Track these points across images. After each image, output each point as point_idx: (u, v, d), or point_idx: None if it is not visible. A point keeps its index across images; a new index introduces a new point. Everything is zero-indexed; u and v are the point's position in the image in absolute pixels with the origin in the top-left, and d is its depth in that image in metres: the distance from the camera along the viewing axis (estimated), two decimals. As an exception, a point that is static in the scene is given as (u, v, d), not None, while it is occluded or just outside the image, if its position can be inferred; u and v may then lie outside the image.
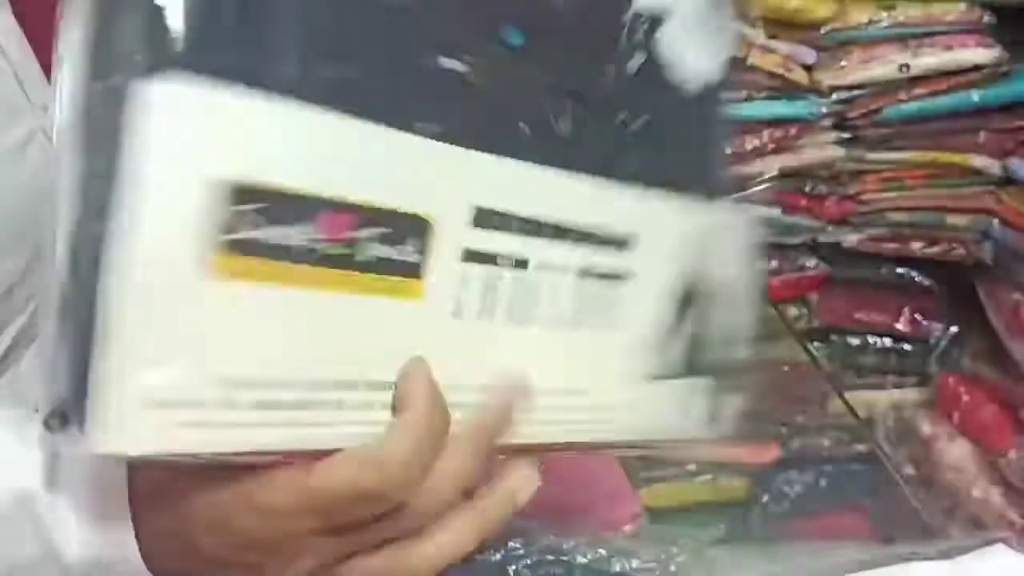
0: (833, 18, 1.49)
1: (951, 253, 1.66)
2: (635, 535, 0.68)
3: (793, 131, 1.55)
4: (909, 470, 1.74)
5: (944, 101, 1.54)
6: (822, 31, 1.51)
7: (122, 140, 0.35)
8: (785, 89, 1.53)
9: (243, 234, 0.37)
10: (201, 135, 0.36)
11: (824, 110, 1.54)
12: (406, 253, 0.43)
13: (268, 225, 0.38)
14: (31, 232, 0.58)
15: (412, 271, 0.43)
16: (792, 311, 1.71)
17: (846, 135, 1.58)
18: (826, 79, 1.53)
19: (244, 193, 0.37)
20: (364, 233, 0.41)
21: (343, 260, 0.41)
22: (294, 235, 0.38)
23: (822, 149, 1.58)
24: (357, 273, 0.41)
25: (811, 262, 1.67)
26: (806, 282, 1.68)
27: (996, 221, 1.61)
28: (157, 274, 0.36)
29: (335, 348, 0.41)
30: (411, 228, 0.43)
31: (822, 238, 1.65)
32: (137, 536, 0.43)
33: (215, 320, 0.37)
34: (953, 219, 1.64)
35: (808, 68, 1.53)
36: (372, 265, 0.42)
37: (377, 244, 0.42)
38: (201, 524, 0.41)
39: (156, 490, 0.43)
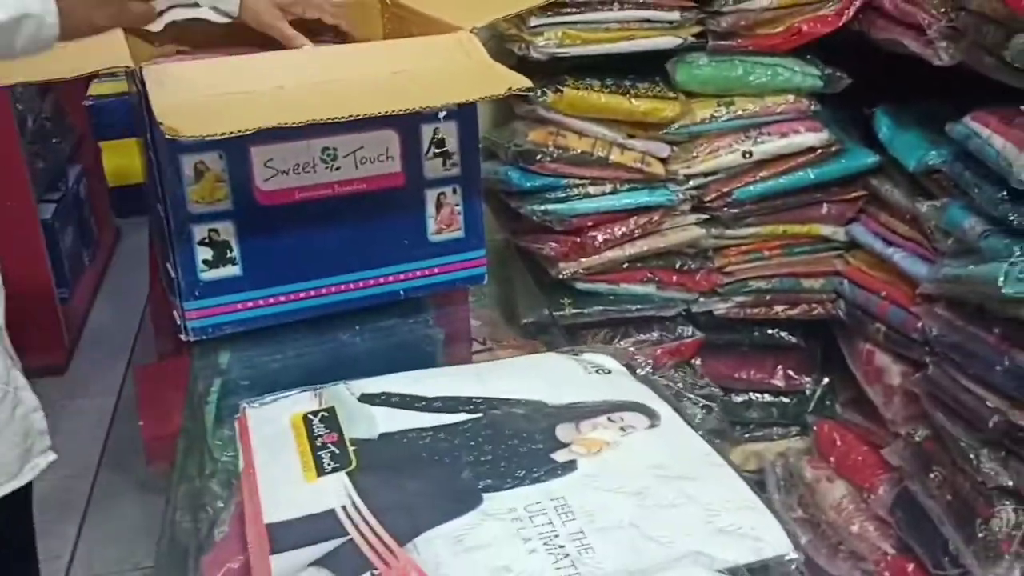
0: (680, 116, 1.69)
1: (811, 313, 1.85)
2: None
3: (656, 216, 1.73)
4: (799, 514, 1.89)
5: (785, 180, 1.74)
6: (672, 128, 1.70)
7: None
8: (645, 181, 1.72)
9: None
10: None
11: (682, 196, 1.73)
12: None
13: None
14: None
15: None
16: (677, 374, 1.87)
17: (704, 216, 1.77)
18: (681, 169, 1.73)
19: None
20: None
21: None
22: None
23: (685, 230, 1.77)
24: None
25: (688, 331, 1.84)
26: (685, 349, 1.84)
27: (846, 281, 1.80)
28: None
29: None
30: None
31: (695, 308, 1.82)
32: None
33: None
34: (808, 282, 1.83)
35: (663, 161, 1.73)
36: None
37: None
38: None
39: None
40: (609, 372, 0.88)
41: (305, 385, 0.90)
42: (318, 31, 1.27)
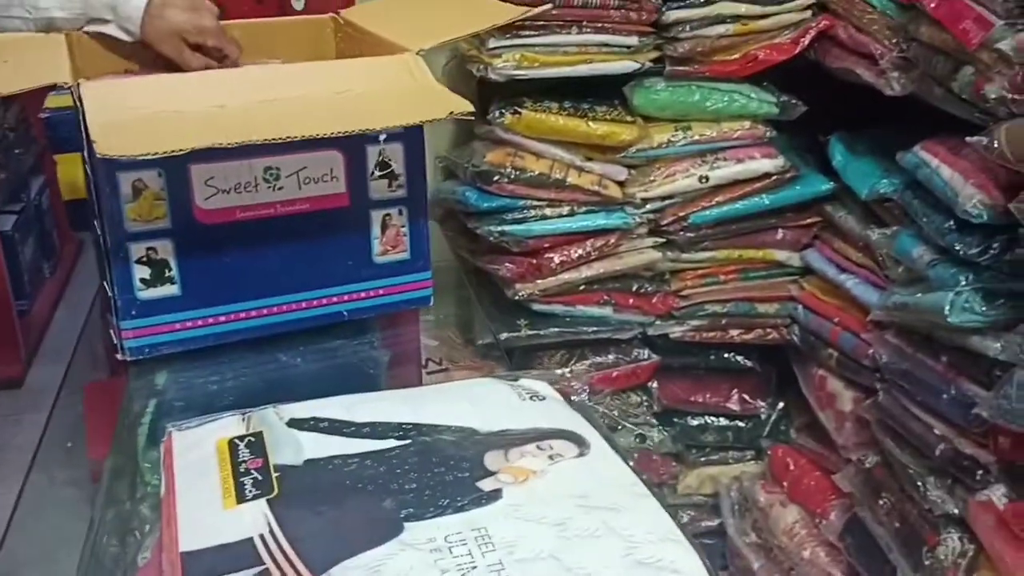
0: (638, 140, 1.70)
1: (766, 338, 1.85)
2: None
3: (613, 239, 1.74)
4: (753, 538, 1.89)
5: (741, 206, 1.75)
6: (630, 151, 1.71)
7: None
8: (602, 203, 1.73)
9: None
10: None
11: (639, 219, 1.74)
12: None
13: None
14: None
15: None
16: (634, 398, 1.87)
17: (661, 240, 1.77)
18: (638, 192, 1.73)
19: None
20: None
21: None
22: None
23: (641, 253, 1.77)
24: None
25: (645, 354, 1.84)
26: (641, 371, 1.84)
27: (800, 307, 1.81)
28: None
29: None
30: None
31: (651, 331, 1.82)
32: None
33: None
34: (763, 307, 1.84)
35: (621, 184, 1.73)
36: None
37: None
38: None
39: None
40: (543, 399, 0.88)
41: (243, 408, 0.89)
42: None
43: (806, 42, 1.67)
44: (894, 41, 1.51)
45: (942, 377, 1.43)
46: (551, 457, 0.78)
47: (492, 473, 0.75)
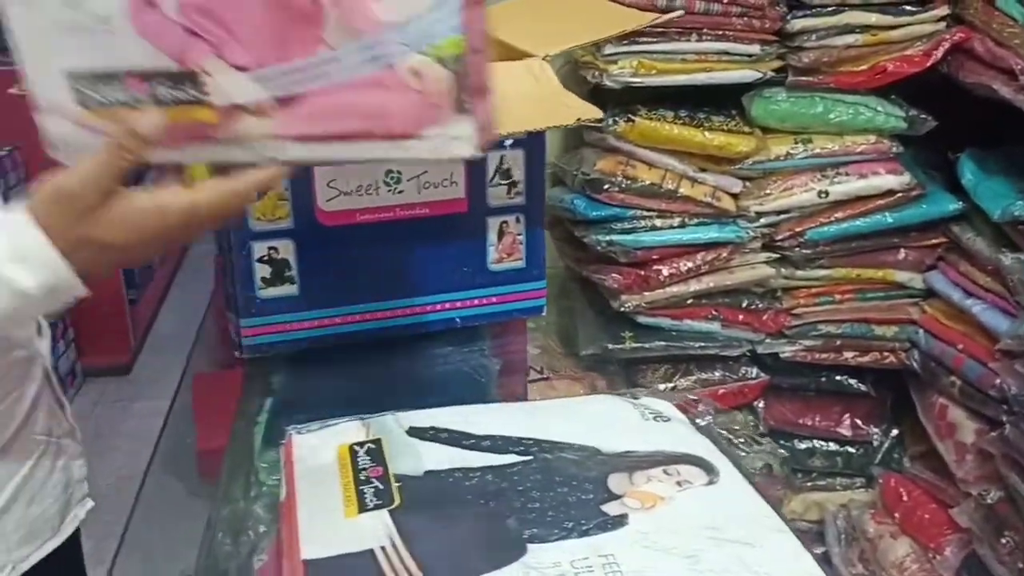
0: (755, 152, 1.65)
1: (882, 361, 1.78)
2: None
3: (724, 253, 1.69)
4: (859, 569, 1.82)
5: (862, 223, 1.68)
6: (746, 163, 1.66)
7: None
8: (715, 215, 1.68)
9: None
10: None
11: (752, 233, 1.68)
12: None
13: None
14: None
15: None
16: (739, 418, 1.81)
17: (775, 255, 1.72)
18: (752, 205, 1.68)
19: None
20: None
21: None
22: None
23: (754, 268, 1.72)
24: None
25: (752, 372, 1.78)
26: (749, 391, 1.79)
27: (921, 331, 1.73)
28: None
29: None
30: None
31: (760, 350, 1.77)
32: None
33: None
34: (881, 329, 1.76)
35: (735, 196, 1.68)
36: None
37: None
38: (128, 246, 0.70)
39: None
40: (667, 419, 0.84)
41: (355, 410, 0.88)
42: None
43: (939, 55, 1.60)
44: (1038, 56, 1.43)
45: (1079, 413, 1.34)
46: (679, 483, 0.74)
47: (617, 497, 0.72)
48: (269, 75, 0.67)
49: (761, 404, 1.82)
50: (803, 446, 1.88)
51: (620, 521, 0.69)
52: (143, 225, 0.70)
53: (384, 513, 0.71)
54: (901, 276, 1.74)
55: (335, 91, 0.66)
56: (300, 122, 0.68)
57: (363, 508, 0.72)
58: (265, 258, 1.05)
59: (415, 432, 0.82)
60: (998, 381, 1.52)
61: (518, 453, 0.79)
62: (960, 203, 1.66)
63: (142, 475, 2.05)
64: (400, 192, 1.06)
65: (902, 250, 1.72)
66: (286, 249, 1.05)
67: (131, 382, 2.90)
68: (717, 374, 1.77)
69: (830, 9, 1.59)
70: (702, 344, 1.74)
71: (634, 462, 0.77)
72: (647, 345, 1.73)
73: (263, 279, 1.05)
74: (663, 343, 1.73)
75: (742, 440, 0.87)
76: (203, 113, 0.69)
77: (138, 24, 0.69)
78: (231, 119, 0.69)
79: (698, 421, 0.86)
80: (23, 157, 2.67)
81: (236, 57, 0.68)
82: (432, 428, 0.82)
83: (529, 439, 0.80)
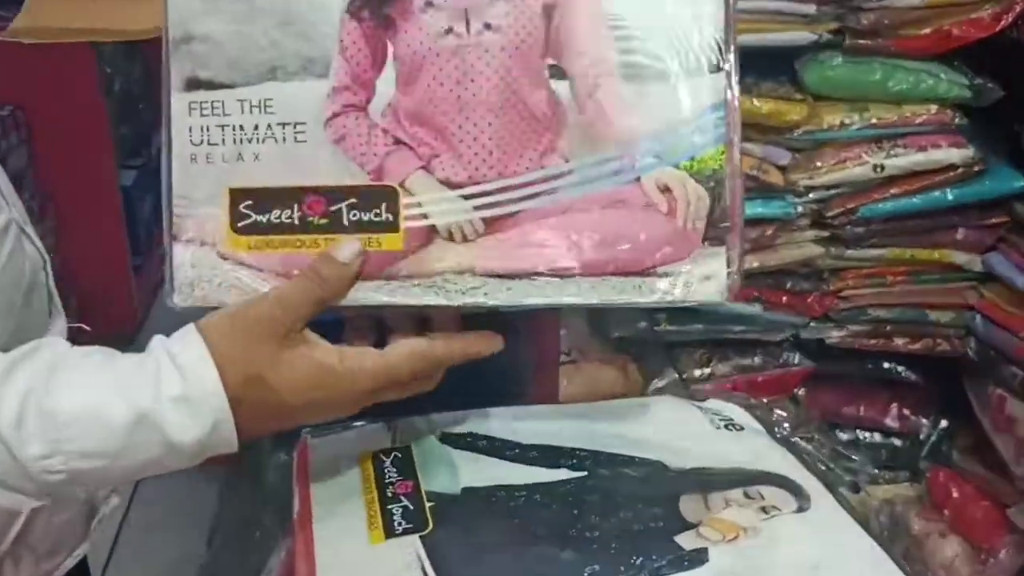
0: (806, 120, 1.52)
1: (935, 349, 1.66)
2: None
3: (770, 231, 1.57)
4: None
5: (919, 200, 1.56)
6: (795, 133, 1.53)
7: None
8: (760, 189, 1.56)
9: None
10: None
11: (800, 209, 1.56)
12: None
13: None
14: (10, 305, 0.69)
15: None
16: (779, 409, 1.71)
17: (824, 233, 1.60)
18: (801, 179, 1.56)
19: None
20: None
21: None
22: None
23: (800, 247, 1.60)
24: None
25: (795, 358, 1.67)
26: (791, 378, 1.68)
27: (979, 317, 1.61)
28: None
29: None
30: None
31: (804, 334, 1.65)
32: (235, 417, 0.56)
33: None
34: (935, 315, 1.64)
35: (782, 169, 1.56)
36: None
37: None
38: (298, 405, 0.58)
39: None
40: (741, 428, 0.73)
41: (379, 409, 0.77)
42: None
43: (1010, 19, 1.46)
44: None
45: None
46: (764, 509, 0.63)
47: (692, 525, 0.61)
48: (485, 191, 0.56)
49: (801, 392, 1.71)
50: (845, 437, 1.76)
51: (699, 558, 0.59)
52: (324, 383, 0.58)
53: (415, 540, 0.61)
54: (959, 257, 1.61)
55: (560, 214, 0.55)
56: (510, 253, 0.56)
57: (390, 533, 0.61)
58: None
59: (450, 439, 0.71)
60: (1066, 374, 1.41)
61: (571, 467, 0.68)
62: (1026, 180, 1.54)
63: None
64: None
65: (961, 229, 1.59)
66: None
67: (134, 350, 2.80)
68: (757, 359, 1.66)
69: (893, -34, 1.45)
70: (742, 328, 1.63)
71: (708, 481, 0.66)
72: (684, 328, 1.61)
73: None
74: (701, 326, 1.62)
75: (824, 453, 0.76)
76: (391, 241, 0.57)
77: (335, 130, 0.58)
78: (424, 247, 0.58)
79: (776, 431, 0.75)
80: (25, 118, 2.56)
81: (447, 171, 0.57)
82: (470, 434, 0.71)
83: (583, 451, 0.69)
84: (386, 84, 0.57)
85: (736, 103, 0.58)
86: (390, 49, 0.57)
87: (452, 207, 0.56)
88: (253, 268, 0.59)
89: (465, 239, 0.56)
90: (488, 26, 0.55)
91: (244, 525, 0.82)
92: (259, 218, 0.59)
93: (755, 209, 1.56)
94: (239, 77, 0.59)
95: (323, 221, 0.58)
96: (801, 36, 1.49)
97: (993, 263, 1.60)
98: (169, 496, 1.84)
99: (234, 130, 0.58)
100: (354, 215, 0.57)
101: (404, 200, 0.56)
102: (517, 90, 0.56)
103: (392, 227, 0.57)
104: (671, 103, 0.56)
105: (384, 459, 0.69)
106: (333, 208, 0.57)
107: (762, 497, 0.65)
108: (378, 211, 0.57)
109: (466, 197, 0.56)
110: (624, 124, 0.54)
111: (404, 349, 0.60)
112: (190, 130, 0.60)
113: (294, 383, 0.57)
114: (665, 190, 0.54)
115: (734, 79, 0.58)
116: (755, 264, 1.58)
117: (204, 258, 0.60)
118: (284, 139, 0.58)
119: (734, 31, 0.58)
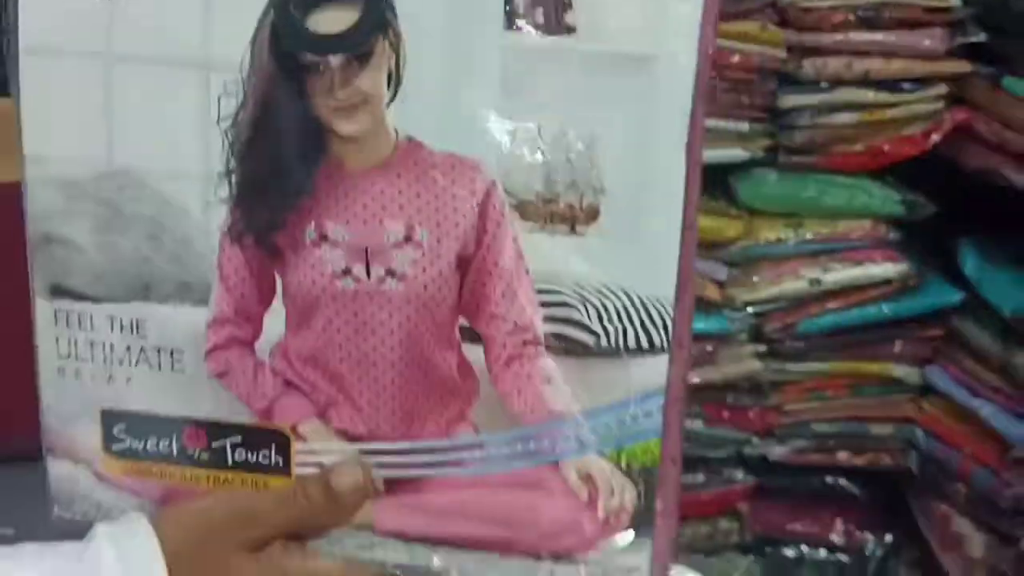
0: (742, 236, 1.52)
1: (878, 462, 1.64)
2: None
3: (710, 346, 1.55)
4: None
5: (857, 314, 1.56)
6: (732, 248, 1.53)
7: None
8: (699, 305, 1.54)
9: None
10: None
11: (738, 324, 1.55)
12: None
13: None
14: None
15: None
16: (723, 524, 1.67)
17: (763, 348, 1.58)
18: (739, 294, 1.55)
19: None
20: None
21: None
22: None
23: (740, 362, 1.58)
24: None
25: (739, 474, 1.64)
26: (734, 495, 1.64)
27: (920, 431, 1.60)
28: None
29: None
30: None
31: (747, 450, 1.62)
32: None
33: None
34: (877, 428, 1.63)
35: (720, 284, 1.55)
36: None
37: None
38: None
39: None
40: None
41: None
42: None
43: (940, 136, 1.49)
44: (1052, 141, 1.32)
45: (1109, 535, 1.21)
46: None
47: None
48: (386, 450, 0.51)
49: (746, 508, 1.67)
50: (791, 554, 1.72)
51: None
52: None
53: None
54: (898, 371, 1.61)
55: (466, 487, 0.50)
56: (409, 516, 0.51)
57: None
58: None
59: None
60: (1010, 492, 1.40)
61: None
62: (961, 293, 1.54)
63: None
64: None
65: (899, 343, 1.60)
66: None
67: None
68: (700, 477, 1.62)
69: (824, 86, 1.48)
70: (684, 445, 1.58)
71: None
72: (625, 447, 1.57)
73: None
74: (642, 444, 1.58)
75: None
76: (279, 484, 0.52)
77: (217, 364, 0.52)
78: None
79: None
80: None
81: (344, 421, 0.51)
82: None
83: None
84: (274, 320, 0.51)
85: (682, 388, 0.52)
86: (279, 282, 0.51)
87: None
88: (132, 492, 0.53)
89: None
90: (391, 273, 0.48)
91: None
92: (135, 443, 0.53)
93: (695, 324, 1.54)
94: (106, 292, 0.53)
95: (204, 456, 0.52)
96: (735, 153, 1.50)
97: (933, 377, 1.59)
98: None
99: (104, 348, 0.52)
100: (239, 454, 0.51)
101: (297, 446, 0.51)
102: (423, 349, 0.49)
103: (283, 472, 0.51)
104: (602, 384, 0.49)
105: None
106: (215, 444, 0.52)
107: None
108: (267, 453, 0.51)
109: (365, 452, 0.50)
110: (544, 403, 0.48)
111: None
112: (56, 341, 0.54)
113: None
114: (587, 479, 0.48)
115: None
116: (696, 380, 1.56)
117: (80, 475, 0.54)
118: (159, 366, 0.52)
119: (690, 309, 0.51)
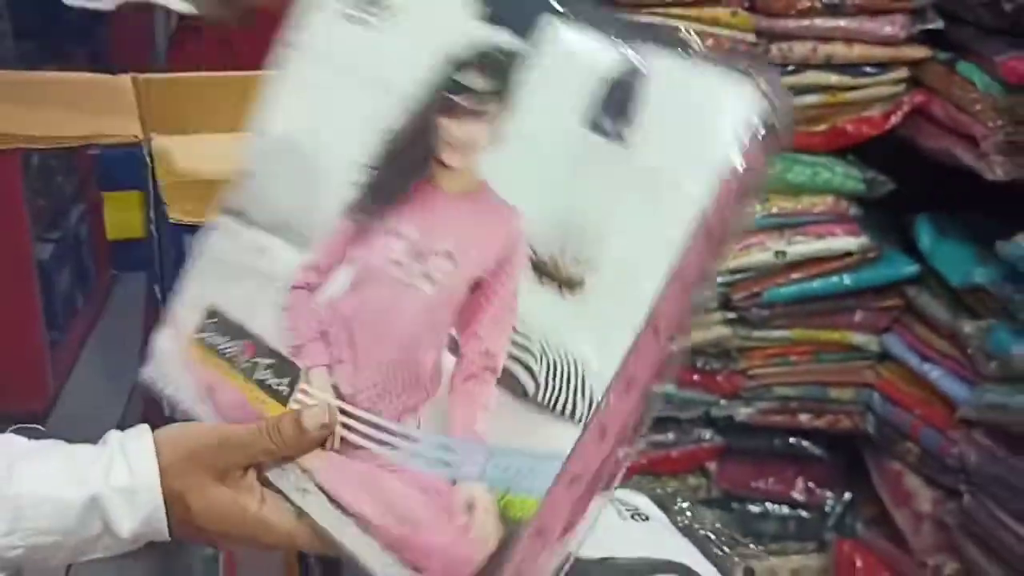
0: (713, 210, 1.61)
1: (837, 425, 1.75)
2: None
3: (681, 313, 1.64)
4: (811, 637, 1.77)
5: (819, 284, 1.65)
6: (704, 221, 1.62)
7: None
8: (672, 274, 1.63)
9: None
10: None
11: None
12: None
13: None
14: None
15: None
16: (692, 481, 1.77)
17: (732, 315, 1.68)
18: (709, 265, 1.64)
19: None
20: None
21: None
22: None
23: (710, 329, 1.67)
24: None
25: (707, 434, 1.74)
26: (703, 453, 1.74)
27: (876, 395, 1.70)
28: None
29: None
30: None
31: (715, 412, 1.72)
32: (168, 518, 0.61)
33: None
34: (836, 392, 1.73)
35: (692, 255, 1.64)
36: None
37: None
38: (214, 532, 0.63)
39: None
40: (646, 518, 0.78)
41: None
42: None
43: (898, 118, 1.59)
44: (999, 123, 1.42)
45: (1041, 487, 1.32)
46: (665, 596, 0.68)
47: (600, 614, 0.66)
48: (355, 415, 0.59)
49: (713, 466, 1.77)
50: (755, 509, 1.83)
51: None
52: (235, 525, 0.62)
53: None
54: (857, 338, 1.71)
55: (388, 471, 0.57)
56: (340, 479, 0.59)
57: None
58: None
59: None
60: (956, 450, 1.50)
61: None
62: (916, 266, 1.64)
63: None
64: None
65: (859, 312, 1.70)
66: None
67: (49, 431, 2.73)
68: (671, 436, 1.72)
69: (790, 69, 1.56)
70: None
71: (615, 570, 0.70)
72: (600, 406, 1.67)
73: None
74: (616, 404, 1.67)
75: (723, 539, 0.81)
76: (273, 409, 0.62)
77: (291, 299, 0.63)
78: None
79: (679, 520, 0.80)
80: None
81: (340, 379, 0.60)
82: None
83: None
84: (338, 279, 0.62)
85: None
86: (353, 252, 0.62)
87: (330, 414, 0.60)
88: (196, 379, 0.64)
89: (321, 447, 0.60)
90: (427, 276, 0.58)
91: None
92: (216, 340, 0.64)
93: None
94: (261, 215, 0.66)
95: (246, 364, 0.62)
96: (706, 131, 1.59)
97: (889, 344, 1.70)
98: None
99: (241, 258, 0.66)
100: (265, 373, 0.62)
101: (302, 385, 0.60)
102: (420, 342, 0.57)
103: (282, 400, 0.61)
104: (522, 429, 0.54)
105: (308, 556, 0.72)
106: (256, 359, 0.62)
107: (664, 585, 0.69)
108: (281, 381, 0.61)
109: (341, 411, 0.59)
110: (474, 424, 0.54)
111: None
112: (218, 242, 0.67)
113: (209, 515, 0.61)
114: (470, 507, 0.53)
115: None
116: (667, 345, 1.66)
117: (172, 351, 0.67)
118: (262, 288, 0.63)
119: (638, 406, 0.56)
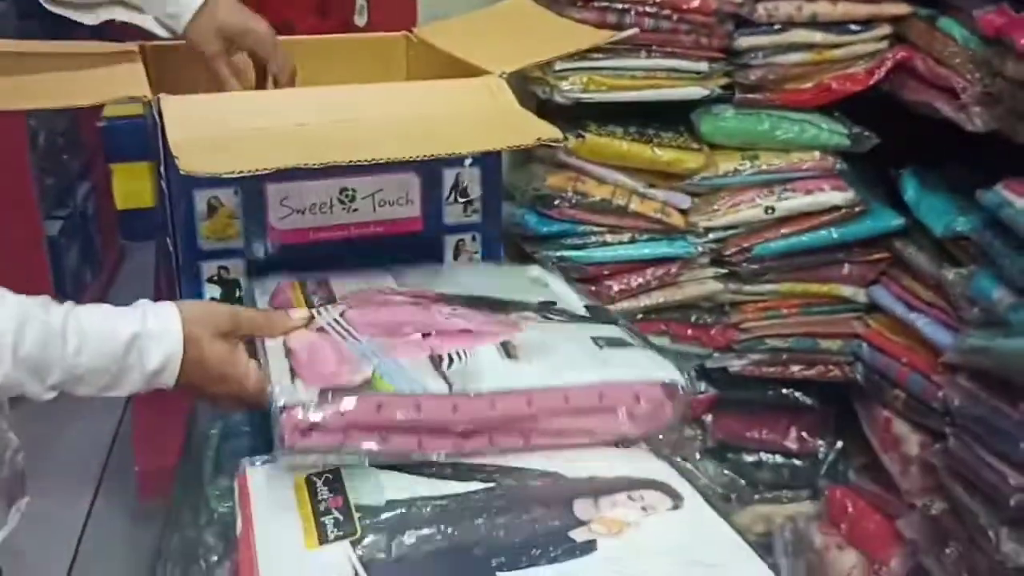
0: (703, 168, 1.66)
1: (827, 375, 1.80)
2: None
3: (674, 268, 1.69)
4: (806, 580, 1.83)
5: (808, 238, 1.70)
6: (694, 179, 1.67)
7: None
8: (664, 231, 1.69)
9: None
10: None
11: (700, 249, 1.69)
12: None
13: None
14: None
15: None
16: (688, 432, 1.83)
17: (723, 270, 1.73)
18: (701, 221, 1.69)
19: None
20: None
21: None
22: None
23: (702, 284, 1.73)
24: None
25: (701, 387, 1.79)
26: (698, 405, 1.79)
27: (865, 345, 1.76)
28: None
29: None
30: None
31: (709, 364, 1.78)
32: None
33: None
34: (826, 343, 1.79)
35: (684, 212, 1.69)
36: None
37: None
38: (210, 376, 0.85)
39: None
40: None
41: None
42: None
43: (882, 73, 1.63)
44: (977, 76, 1.46)
45: (1020, 424, 1.37)
46: (644, 508, 0.74)
47: (584, 523, 0.72)
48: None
49: (709, 418, 1.83)
50: (750, 459, 1.89)
51: (589, 547, 0.69)
52: (223, 372, 0.84)
53: (346, 544, 0.70)
54: (846, 291, 1.76)
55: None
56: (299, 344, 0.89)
57: (324, 539, 0.70)
58: (215, 278, 1.02)
59: (375, 461, 0.80)
60: (941, 394, 1.55)
61: (481, 480, 0.77)
62: (902, 219, 1.69)
63: (86, 499, 1.98)
64: (355, 211, 1.04)
65: (846, 265, 1.75)
66: (236, 269, 1.02)
67: (61, 407, 2.80)
68: (667, 389, 1.77)
69: (776, 28, 1.61)
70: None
71: (598, 487, 0.76)
72: (597, 361, 1.72)
73: (212, 299, 1.02)
74: (613, 358, 1.73)
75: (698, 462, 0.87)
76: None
77: None
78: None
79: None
80: None
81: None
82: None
83: (491, 466, 0.79)
84: None
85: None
86: None
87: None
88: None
89: None
90: None
91: (189, 549, 0.90)
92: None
93: (660, 249, 1.69)
94: None
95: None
96: (695, 91, 1.64)
97: (877, 295, 1.75)
98: (113, 537, 1.88)
99: None
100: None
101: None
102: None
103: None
104: None
105: (316, 480, 0.77)
106: None
107: (643, 499, 0.75)
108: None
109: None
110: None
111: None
112: None
113: (213, 358, 0.84)
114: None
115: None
116: (661, 300, 1.71)
117: None
118: None
119: None
